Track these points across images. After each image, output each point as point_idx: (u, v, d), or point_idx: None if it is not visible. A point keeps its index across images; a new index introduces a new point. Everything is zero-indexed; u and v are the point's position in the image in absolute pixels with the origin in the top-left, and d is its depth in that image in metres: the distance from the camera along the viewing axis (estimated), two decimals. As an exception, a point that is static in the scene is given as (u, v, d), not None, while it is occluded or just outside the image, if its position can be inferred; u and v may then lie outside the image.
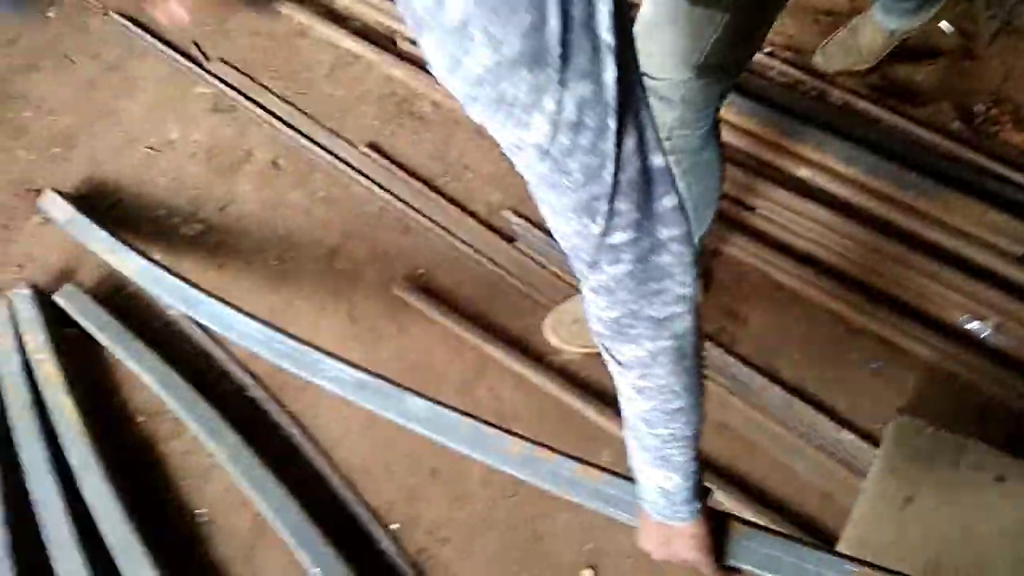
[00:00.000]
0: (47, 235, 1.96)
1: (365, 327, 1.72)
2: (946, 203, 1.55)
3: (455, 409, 1.18)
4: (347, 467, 1.55)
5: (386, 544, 1.46)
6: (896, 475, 1.22)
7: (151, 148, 2.08)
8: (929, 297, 1.48)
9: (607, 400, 1.53)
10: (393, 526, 1.48)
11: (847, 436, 1.39)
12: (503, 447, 1.11)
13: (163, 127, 2.11)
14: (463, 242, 1.77)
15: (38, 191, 2.02)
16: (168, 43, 2.24)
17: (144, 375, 1.66)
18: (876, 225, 1.59)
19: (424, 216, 1.82)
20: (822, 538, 1.33)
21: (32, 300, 1.79)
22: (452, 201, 1.83)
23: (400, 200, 1.85)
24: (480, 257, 1.75)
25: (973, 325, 1.40)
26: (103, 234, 1.82)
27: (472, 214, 1.81)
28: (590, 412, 1.52)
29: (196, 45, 2.22)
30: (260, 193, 1.95)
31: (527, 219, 1.77)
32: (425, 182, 1.87)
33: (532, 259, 1.72)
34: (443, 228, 1.79)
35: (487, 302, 1.70)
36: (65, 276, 1.87)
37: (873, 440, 1.38)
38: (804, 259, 1.58)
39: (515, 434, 1.12)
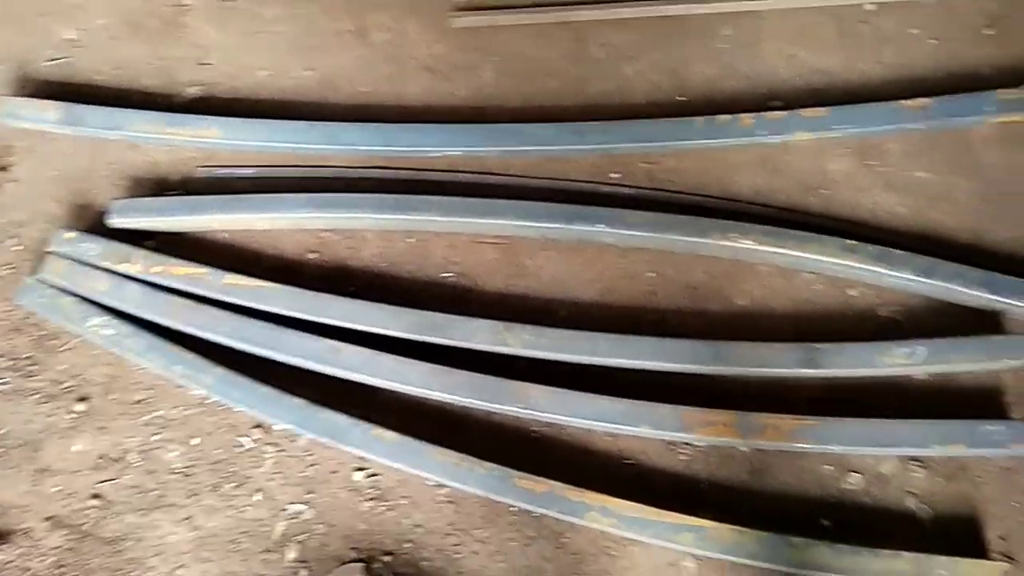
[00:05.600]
0: (13, 193, 1.57)
1: (451, 70, 1.65)
2: None
3: None
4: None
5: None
6: None
7: (54, 58, 1.70)
8: None
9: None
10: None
11: None
12: None
13: (50, 33, 1.72)
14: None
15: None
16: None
17: (282, 215, 1.49)
18: None
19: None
20: None
21: (86, 239, 1.47)
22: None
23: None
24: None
25: None
26: (127, 113, 1.59)
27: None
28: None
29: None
30: (231, 29, 1.72)
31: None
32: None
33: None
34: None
35: (535, -5, 1.73)
36: (82, 212, 1.54)
37: None
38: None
39: None
